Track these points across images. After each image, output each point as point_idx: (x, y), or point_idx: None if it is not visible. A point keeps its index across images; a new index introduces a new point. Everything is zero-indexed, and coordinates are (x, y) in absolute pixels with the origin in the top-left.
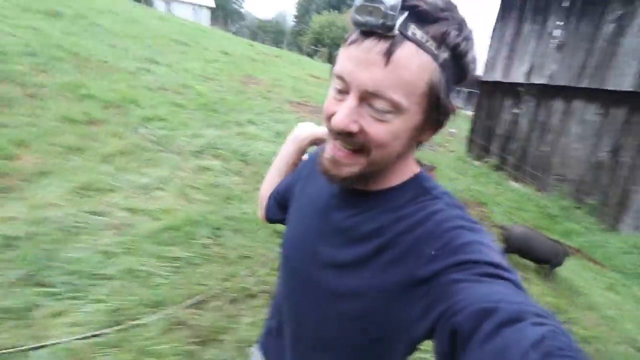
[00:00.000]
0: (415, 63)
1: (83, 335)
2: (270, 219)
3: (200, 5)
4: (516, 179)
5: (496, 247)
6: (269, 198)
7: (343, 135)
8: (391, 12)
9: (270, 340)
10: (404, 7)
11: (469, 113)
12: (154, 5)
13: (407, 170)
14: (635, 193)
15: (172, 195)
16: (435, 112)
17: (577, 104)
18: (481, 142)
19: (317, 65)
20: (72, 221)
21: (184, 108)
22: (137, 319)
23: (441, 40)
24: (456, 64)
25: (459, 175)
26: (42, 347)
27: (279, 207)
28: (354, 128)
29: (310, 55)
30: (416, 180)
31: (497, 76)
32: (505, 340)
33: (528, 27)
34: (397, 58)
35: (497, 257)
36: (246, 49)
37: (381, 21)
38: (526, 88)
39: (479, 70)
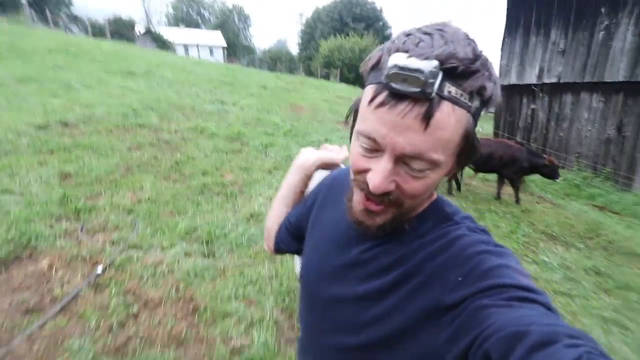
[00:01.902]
0: (452, 121)
1: None
2: (281, 249)
3: (214, 46)
4: None
5: (524, 270)
6: (279, 229)
7: (380, 196)
8: (431, 80)
9: (300, 356)
10: (441, 70)
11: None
12: (176, 51)
13: (428, 198)
14: None
15: None
16: (469, 154)
17: (584, 95)
18: (505, 134)
19: (337, 87)
20: None
21: (276, 136)
22: None
23: (477, 95)
24: (484, 104)
25: None
26: None
27: (293, 237)
28: (391, 188)
29: (325, 77)
30: (436, 205)
31: (512, 80)
32: None
33: (534, 39)
34: (436, 121)
35: (526, 280)
36: (276, 80)
37: (420, 89)
38: (539, 87)
39: None
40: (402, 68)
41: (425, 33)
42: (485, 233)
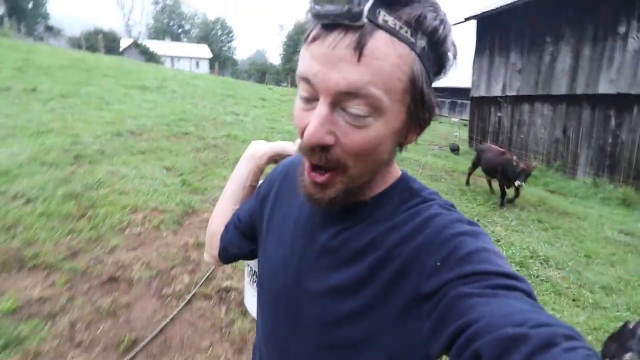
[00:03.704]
0: (392, 54)
1: None
2: (229, 255)
3: (200, 58)
4: None
5: (499, 251)
6: (226, 229)
7: (316, 151)
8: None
9: None
10: None
11: (455, 120)
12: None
13: (391, 174)
14: (581, 154)
15: None
16: (420, 109)
17: (537, 105)
18: (478, 138)
19: None
20: None
21: (294, 140)
22: None
23: (417, 25)
24: (435, 51)
25: (469, 161)
26: None
27: (244, 237)
28: (329, 140)
29: None
30: (402, 182)
31: (482, 92)
32: None
33: (497, 60)
34: (371, 50)
35: (506, 265)
36: (271, 93)
37: (346, 7)
38: (504, 99)
39: (468, 86)
40: None
41: None
42: (455, 209)
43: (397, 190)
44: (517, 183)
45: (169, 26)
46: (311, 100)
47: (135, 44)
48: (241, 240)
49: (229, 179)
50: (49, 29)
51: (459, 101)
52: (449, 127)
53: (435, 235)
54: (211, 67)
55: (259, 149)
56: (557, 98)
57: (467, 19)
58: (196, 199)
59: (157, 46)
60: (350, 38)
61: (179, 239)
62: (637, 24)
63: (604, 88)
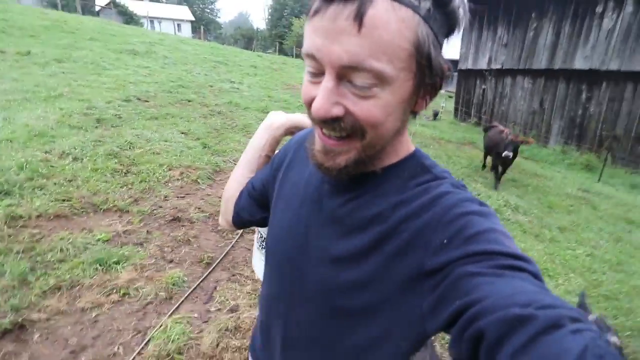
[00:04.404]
0: (393, 21)
1: None
2: (242, 220)
3: (182, 20)
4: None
5: (507, 232)
6: (240, 196)
7: (328, 123)
8: None
9: (258, 342)
10: None
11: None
12: (143, 24)
13: (403, 147)
14: (554, 124)
15: None
16: (427, 74)
17: (519, 79)
18: (464, 109)
19: None
20: None
21: (293, 110)
22: None
23: None
24: (442, 12)
25: (455, 131)
26: None
27: (257, 204)
28: (337, 112)
29: (300, 57)
30: (413, 157)
31: (469, 65)
32: (543, 353)
33: (485, 34)
34: (371, 19)
35: (514, 246)
36: (261, 60)
37: None
38: (488, 72)
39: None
40: None
41: None
42: (465, 189)
43: (408, 165)
44: (504, 153)
45: None
46: (317, 74)
47: (114, 3)
48: (253, 208)
49: (246, 146)
50: None
51: None
52: (440, 99)
53: (443, 214)
54: (194, 30)
55: (276, 120)
56: (537, 72)
57: None
58: (219, 160)
59: (135, 6)
60: (350, 8)
61: (216, 191)
62: (612, 4)
63: (579, 64)
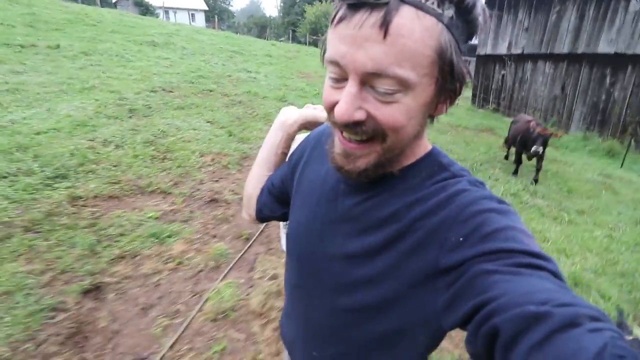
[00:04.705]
0: (417, 29)
1: None
2: (264, 216)
3: (196, 10)
4: (508, 115)
5: (528, 230)
6: (261, 193)
7: (350, 127)
8: None
9: (285, 323)
10: None
11: None
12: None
13: (420, 148)
14: (576, 110)
15: None
16: (449, 80)
17: (540, 64)
18: (482, 95)
19: None
20: None
21: (309, 98)
22: None
23: None
24: (464, 19)
25: (473, 117)
26: None
27: (277, 201)
28: (360, 116)
29: (314, 45)
30: (431, 156)
31: (488, 50)
32: (559, 351)
33: (505, 18)
34: (396, 27)
35: (533, 244)
36: (275, 49)
37: None
38: (508, 57)
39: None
40: None
41: None
42: (484, 186)
43: (425, 164)
44: (533, 149)
45: None
46: (340, 80)
47: None
48: (274, 204)
49: (263, 141)
50: None
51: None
52: None
53: (459, 211)
54: (207, 20)
55: (289, 117)
56: (559, 57)
57: None
58: (245, 147)
59: None
60: (376, 16)
61: (245, 175)
62: None
63: (603, 47)
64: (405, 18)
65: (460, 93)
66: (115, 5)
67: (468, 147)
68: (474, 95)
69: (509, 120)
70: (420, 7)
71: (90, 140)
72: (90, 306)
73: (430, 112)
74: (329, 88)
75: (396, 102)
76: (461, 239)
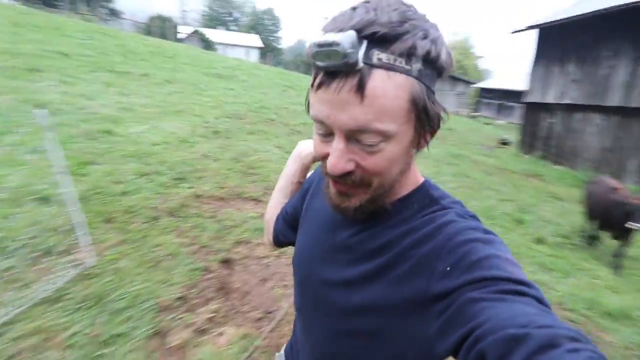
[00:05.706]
0: (390, 88)
1: None
2: (280, 242)
3: (251, 47)
4: (556, 163)
5: (514, 259)
6: (277, 220)
7: (340, 177)
8: (350, 50)
9: (290, 348)
10: (361, 38)
11: (502, 122)
12: (217, 50)
13: (410, 180)
14: (629, 163)
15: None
16: (426, 121)
17: (590, 114)
18: (528, 141)
19: None
20: None
21: None
22: None
23: (410, 53)
24: (432, 67)
25: (519, 162)
26: None
27: (290, 227)
28: (350, 167)
29: None
30: (422, 189)
31: (536, 98)
32: None
33: (554, 69)
34: (371, 90)
35: (517, 271)
36: None
37: (343, 61)
38: (557, 106)
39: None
40: (319, 45)
41: (352, 8)
42: (475, 219)
43: (417, 197)
44: (628, 224)
45: (219, 14)
46: (327, 135)
47: (196, 32)
48: (287, 230)
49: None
50: (114, 12)
51: (508, 103)
52: (494, 129)
53: (446, 242)
54: (261, 56)
55: (304, 149)
56: (609, 109)
57: (529, 28)
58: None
59: (212, 34)
60: (352, 82)
61: None
62: None
63: None
64: (378, 80)
65: (439, 126)
66: (182, 41)
67: (516, 189)
68: (521, 141)
69: (557, 168)
70: (390, 68)
71: (192, 153)
72: (226, 273)
73: (414, 148)
74: (319, 142)
75: (380, 151)
76: (448, 268)
